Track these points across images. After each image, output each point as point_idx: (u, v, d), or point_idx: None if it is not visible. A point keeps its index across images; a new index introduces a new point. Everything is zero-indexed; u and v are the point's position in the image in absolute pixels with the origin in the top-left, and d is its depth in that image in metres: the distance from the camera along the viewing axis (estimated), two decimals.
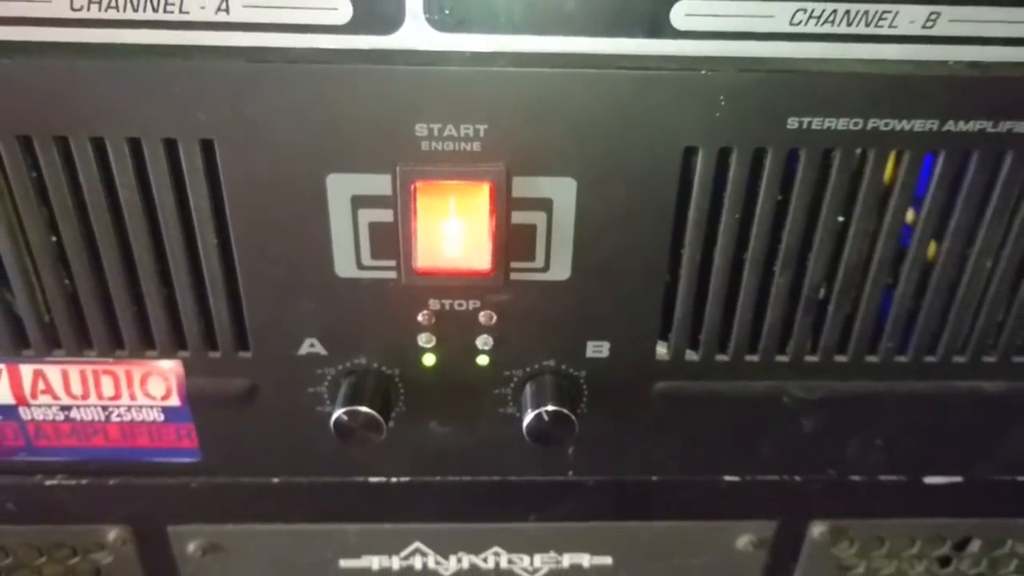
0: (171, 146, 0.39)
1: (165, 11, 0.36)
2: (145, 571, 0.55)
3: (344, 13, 0.37)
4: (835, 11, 0.37)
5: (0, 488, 0.51)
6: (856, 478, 0.53)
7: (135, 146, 0.39)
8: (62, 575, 0.54)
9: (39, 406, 0.47)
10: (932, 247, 0.44)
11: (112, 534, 0.53)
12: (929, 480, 0.54)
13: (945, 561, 0.59)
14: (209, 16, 0.36)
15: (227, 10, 0.36)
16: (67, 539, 0.54)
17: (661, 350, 0.47)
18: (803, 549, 0.57)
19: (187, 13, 0.36)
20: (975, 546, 0.58)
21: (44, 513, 0.52)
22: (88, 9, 0.36)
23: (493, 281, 0.43)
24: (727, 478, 0.53)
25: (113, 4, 0.36)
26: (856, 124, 0.39)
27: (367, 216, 0.41)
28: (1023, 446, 0.51)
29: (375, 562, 0.56)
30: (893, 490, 0.54)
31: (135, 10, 0.36)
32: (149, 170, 0.40)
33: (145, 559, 0.54)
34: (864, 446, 0.51)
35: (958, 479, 0.54)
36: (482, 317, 0.45)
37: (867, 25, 0.37)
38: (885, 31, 0.38)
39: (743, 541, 0.56)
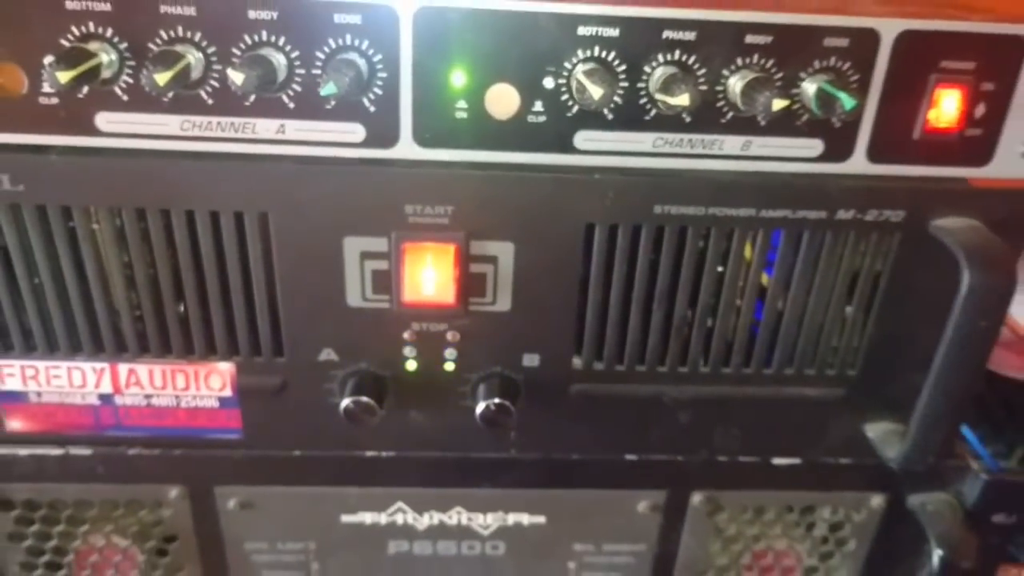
0: (239, 217, 0.56)
1: (243, 131, 0.53)
2: (196, 522, 0.67)
3: (360, 135, 0.54)
4: (681, 139, 0.55)
5: (94, 456, 0.65)
6: (722, 458, 0.67)
7: (214, 216, 0.56)
8: (134, 523, 0.69)
9: (130, 395, 0.63)
10: (763, 287, 0.61)
11: (173, 492, 0.66)
12: (776, 461, 0.67)
13: (796, 524, 0.75)
14: (271, 135, 0.54)
15: (284, 132, 0.54)
16: (139, 496, 0.67)
17: (576, 361, 0.61)
18: (687, 513, 0.69)
19: (257, 133, 0.53)
20: (824, 512, 0.73)
21: (124, 475, 0.66)
22: (192, 129, 0.53)
23: (457, 311, 0.57)
24: (627, 456, 0.66)
25: (208, 127, 0.53)
26: (701, 211, 0.56)
27: (371, 265, 0.57)
28: (841, 436, 0.66)
29: (368, 517, 0.68)
30: (750, 468, 0.67)
31: (223, 131, 0.53)
32: (223, 232, 0.56)
33: (196, 512, 0.67)
34: (726, 434, 0.66)
35: (797, 461, 0.67)
36: (449, 336, 0.59)
37: (704, 148, 0.55)
38: (715, 152, 0.55)
39: (642, 506, 0.68)
